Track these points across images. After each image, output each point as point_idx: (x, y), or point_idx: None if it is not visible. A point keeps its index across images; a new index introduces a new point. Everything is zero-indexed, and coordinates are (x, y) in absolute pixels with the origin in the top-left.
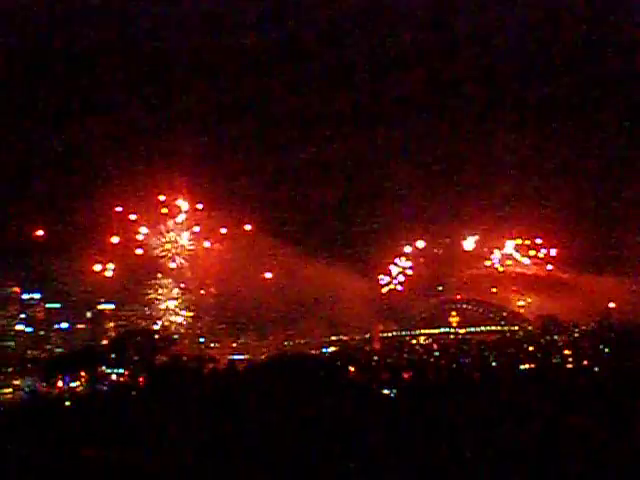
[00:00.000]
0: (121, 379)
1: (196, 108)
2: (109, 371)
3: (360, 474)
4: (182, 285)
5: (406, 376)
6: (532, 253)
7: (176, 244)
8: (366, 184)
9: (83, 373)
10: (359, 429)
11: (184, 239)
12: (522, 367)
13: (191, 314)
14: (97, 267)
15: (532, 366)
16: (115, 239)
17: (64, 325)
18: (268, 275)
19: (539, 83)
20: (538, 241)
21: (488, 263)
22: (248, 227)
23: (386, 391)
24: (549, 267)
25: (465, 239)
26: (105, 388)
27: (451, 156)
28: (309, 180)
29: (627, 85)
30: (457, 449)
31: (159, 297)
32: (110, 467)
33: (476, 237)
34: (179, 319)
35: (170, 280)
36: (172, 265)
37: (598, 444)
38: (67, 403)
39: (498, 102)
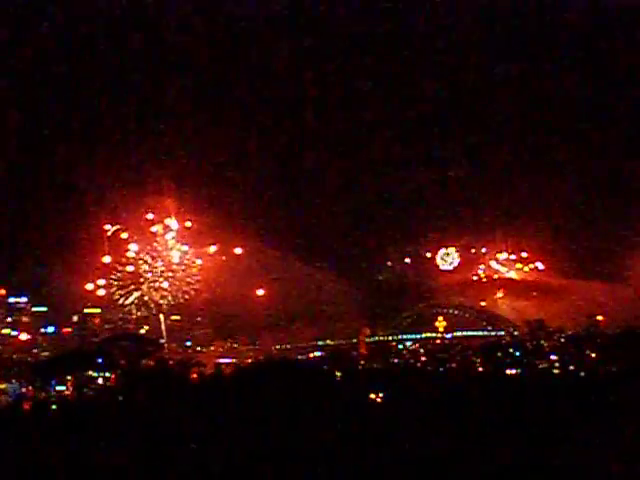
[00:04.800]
0: (108, 383)
1: (186, 126)
2: (96, 375)
3: (347, 477)
4: (171, 292)
5: (393, 381)
6: (519, 266)
7: (165, 255)
8: (354, 192)
9: (70, 377)
10: (346, 433)
11: (174, 255)
12: (508, 372)
13: (178, 318)
14: (89, 286)
15: (518, 371)
16: (107, 258)
17: (50, 329)
18: (256, 281)
19: (527, 105)
20: (524, 255)
21: (475, 277)
22: (238, 250)
23: (372, 396)
24: (536, 278)
25: (452, 247)
26: (91, 392)
27: (442, 170)
28: (296, 187)
29: (614, 106)
30: (445, 452)
31: (145, 302)
32: (96, 469)
33: (464, 245)
34: (167, 323)
35: (158, 286)
36: (164, 284)
37: (585, 447)
38: (54, 407)
39: (487, 121)
